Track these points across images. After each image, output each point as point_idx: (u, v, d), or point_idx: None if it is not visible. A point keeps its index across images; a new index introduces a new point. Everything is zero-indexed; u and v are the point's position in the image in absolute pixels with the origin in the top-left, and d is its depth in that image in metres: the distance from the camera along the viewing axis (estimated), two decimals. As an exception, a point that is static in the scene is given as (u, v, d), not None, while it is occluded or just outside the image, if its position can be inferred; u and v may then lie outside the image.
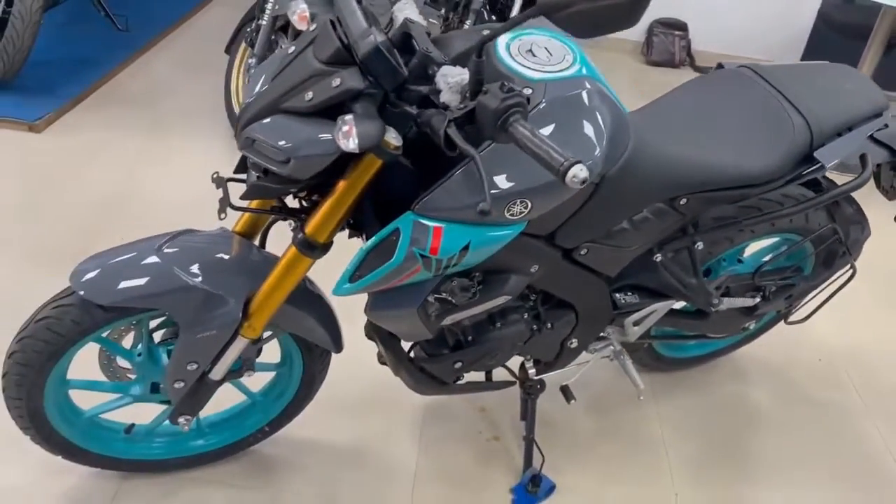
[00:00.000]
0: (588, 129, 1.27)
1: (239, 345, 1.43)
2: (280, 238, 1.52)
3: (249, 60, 3.08)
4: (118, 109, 3.29)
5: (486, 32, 1.35)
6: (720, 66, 1.78)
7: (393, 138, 1.17)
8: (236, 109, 3.18)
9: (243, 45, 3.20)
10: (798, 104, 1.60)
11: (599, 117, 1.29)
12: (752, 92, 1.65)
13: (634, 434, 2.03)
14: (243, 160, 1.36)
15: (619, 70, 4.42)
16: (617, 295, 1.74)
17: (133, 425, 1.66)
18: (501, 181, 1.23)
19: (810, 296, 2.02)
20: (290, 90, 1.19)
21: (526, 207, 1.26)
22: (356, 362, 1.86)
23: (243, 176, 1.36)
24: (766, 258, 1.91)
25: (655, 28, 4.56)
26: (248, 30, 3.10)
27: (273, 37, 3.04)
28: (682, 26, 4.54)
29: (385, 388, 2.03)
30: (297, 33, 3.06)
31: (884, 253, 3.00)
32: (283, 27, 3.08)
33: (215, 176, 1.38)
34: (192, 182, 2.86)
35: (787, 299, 1.95)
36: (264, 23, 2.99)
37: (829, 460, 2.01)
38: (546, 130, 1.24)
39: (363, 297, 1.55)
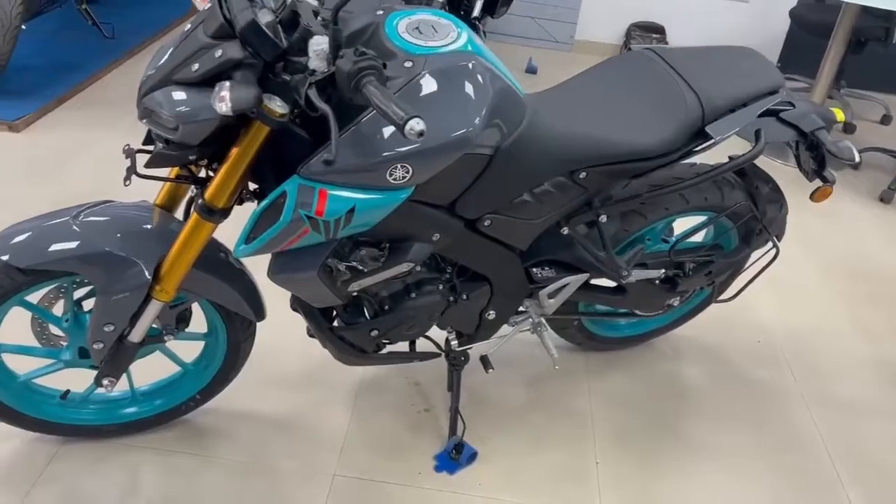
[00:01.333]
0: (465, 99, 1.35)
1: (153, 308, 1.53)
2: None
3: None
4: (99, 110, 3.43)
5: (379, 13, 1.46)
6: (629, 49, 1.85)
7: (278, 106, 1.27)
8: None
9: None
10: (692, 82, 1.68)
11: (478, 88, 1.38)
12: (650, 72, 1.73)
13: (563, 407, 2.09)
14: (150, 132, 1.46)
15: (594, 71, 4.49)
16: (534, 269, 1.82)
17: (68, 391, 1.76)
18: (381, 146, 1.32)
19: (740, 276, 2.09)
20: (181, 63, 1.29)
21: (408, 172, 1.35)
22: (296, 335, 1.95)
23: (151, 147, 1.47)
24: (684, 235, 1.98)
25: (633, 31, 4.63)
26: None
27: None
28: (659, 29, 4.61)
29: (322, 360, 2.12)
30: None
31: (824, 236, 3.06)
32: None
33: (126, 147, 1.48)
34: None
35: (707, 275, 2.02)
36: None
37: (758, 437, 2.07)
38: (425, 99, 1.32)
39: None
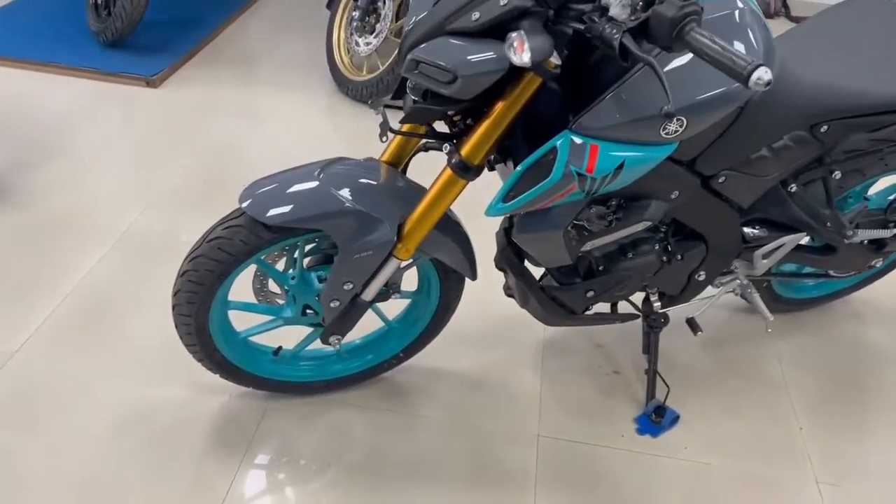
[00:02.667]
0: (741, 47, 1.28)
1: (391, 266, 1.51)
2: (417, 169, 1.59)
3: (353, 13, 3.15)
4: (225, 66, 3.41)
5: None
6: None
7: (554, 57, 1.21)
8: (339, 63, 3.26)
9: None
10: (944, 29, 1.57)
11: (752, 36, 1.30)
12: (892, 18, 1.62)
13: (754, 371, 2.04)
14: (401, 87, 1.42)
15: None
16: (745, 229, 1.75)
17: (280, 348, 1.76)
18: (657, 99, 1.25)
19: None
20: (455, 12, 1.23)
21: (681, 126, 1.29)
22: (475, 298, 1.91)
23: (400, 102, 1.42)
24: (897, 194, 1.88)
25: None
26: (351, -17, 3.17)
27: (375, -11, 3.10)
28: (778, -25, 4.42)
29: (505, 322, 2.09)
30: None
31: None
32: (385, -22, 3.13)
33: (371, 101, 1.44)
34: (301, 132, 2.97)
35: (917, 237, 1.92)
36: (368, -24, 3.05)
37: (956, 399, 1.99)
38: (703, 48, 1.25)
39: (487, 235, 1.61)
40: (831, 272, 2.00)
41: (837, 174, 1.67)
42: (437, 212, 1.44)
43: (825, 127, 1.54)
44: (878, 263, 2.00)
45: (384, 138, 1.40)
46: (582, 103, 1.33)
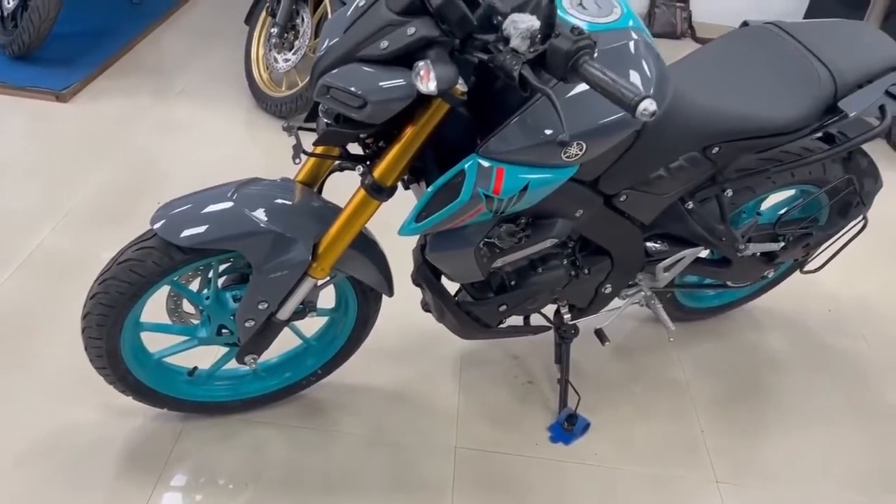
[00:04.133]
0: (636, 77, 1.36)
1: (307, 285, 1.53)
2: (333, 188, 1.62)
3: (271, 30, 3.15)
4: (139, 79, 3.36)
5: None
6: (745, 23, 1.87)
7: (460, 84, 1.27)
8: (258, 79, 3.25)
9: (263, 14, 3.27)
10: (822, 57, 1.70)
11: (646, 66, 1.39)
12: (778, 46, 1.75)
13: (658, 377, 2.14)
14: (314, 110, 1.45)
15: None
16: (648, 243, 1.84)
17: (196, 368, 1.75)
18: (557, 127, 1.32)
19: (824, 246, 2.14)
20: (365, 40, 1.27)
21: (581, 150, 1.36)
22: (392, 313, 1.95)
23: (313, 125, 1.45)
24: (786, 208, 2.02)
25: (658, 0, 4.64)
26: (269, 0, 3.17)
27: (294, 6, 3.11)
28: (684, -2, 4.63)
29: (422, 336, 2.14)
30: (317, 2, 3.12)
31: (885, 206, 3.12)
32: (303, -4, 3.15)
33: (286, 125, 1.46)
34: (219, 147, 2.95)
35: (804, 248, 2.06)
36: (286, -8, 3.06)
37: (850, 402, 2.14)
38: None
39: (404, 251, 1.66)
40: (728, 283, 2.13)
41: (729, 192, 1.78)
42: (351, 231, 1.47)
43: (717, 149, 1.65)
44: (770, 273, 2.14)
45: (297, 160, 1.42)
46: (489, 127, 1.39)
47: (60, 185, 2.60)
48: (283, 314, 1.58)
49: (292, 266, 1.47)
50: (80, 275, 2.19)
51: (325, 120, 1.36)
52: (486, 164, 1.34)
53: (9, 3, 3.23)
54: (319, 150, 1.47)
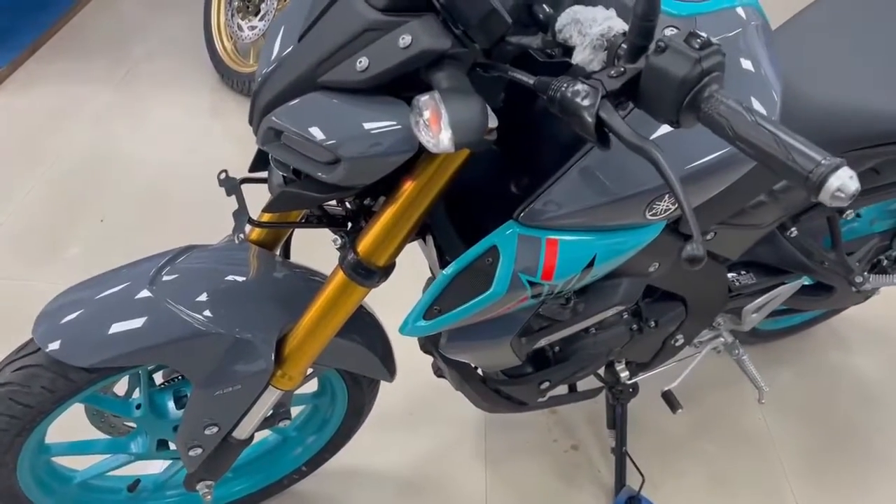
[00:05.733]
0: (756, 102, 0.88)
1: (270, 397, 1.07)
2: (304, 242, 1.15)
3: (231, -7, 2.62)
4: (81, 57, 2.82)
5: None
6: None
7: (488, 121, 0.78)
8: (221, 51, 2.73)
9: (221, -27, 2.73)
10: None
11: (767, 63, 0.90)
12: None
13: (734, 426, 1.71)
14: (261, 155, 0.97)
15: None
16: (731, 275, 1.39)
17: (139, 481, 1.31)
18: (637, 172, 0.85)
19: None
20: (332, 55, 0.78)
21: (673, 204, 0.89)
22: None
23: (263, 174, 0.97)
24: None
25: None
26: (227, -44, 2.62)
27: (257, -38, 2.57)
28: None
29: (434, 394, 1.69)
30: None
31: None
32: (268, -50, 2.61)
33: (223, 177, 0.99)
34: (179, 138, 2.45)
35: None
36: (246, -54, 2.52)
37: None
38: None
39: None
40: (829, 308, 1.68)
41: (850, 213, 1.31)
42: (329, 328, 1.00)
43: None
44: (876, 294, 1.68)
45: (241, 236, 0.94)
46: (525, 164, 0.92)
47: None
48: (242, 433, 1.12)
49: (247, 379, 1.02)
50: (9, 325, 1.73)
51: (282, 173, 0.88)
52: (529, 235, 0.86)
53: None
54: (272, 217, 1.00)
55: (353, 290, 0.96)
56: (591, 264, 0.90)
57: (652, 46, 0.65)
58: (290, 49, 0.84)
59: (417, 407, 1.67)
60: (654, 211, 0.88)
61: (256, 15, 2.64)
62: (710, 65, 0.63)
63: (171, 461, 1.32)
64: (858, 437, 1.71)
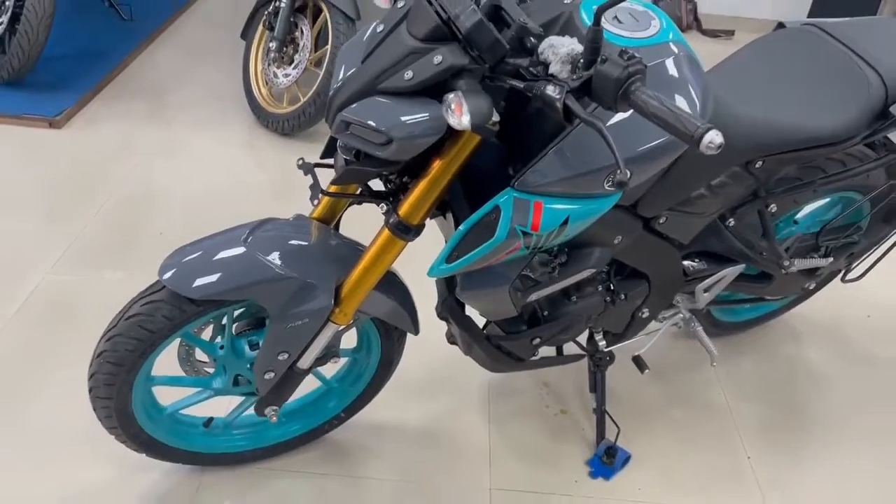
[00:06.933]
0: (682, 99, 1.25)
1: (329, 332, 1.42)
2: (350, 222, 1.50)
3: (270, 44, 3.03)
4: (135, 101, 3.23)
5: (567, 1, 1.33)
6: (781, 25, 1.75)
7: (493, 114, 1.15)
8: (257, 95, 3.13)
9: (260, 28, 3.15)
10: (869, 59, 1.58)
11: (691, 86, 1.27)
12: (821, 49, 1.63)
13: (698, 399, 2.03)
14: (330, 145, 1.34)
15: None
16: (686, 262, 1.73)
17: (212, 419, 1.64)
18: (600, 156, 1.21)
19: (867, 254, 2.03)
20: (386, 70, 1.16)
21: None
22: (415, 344, 1.84)
23: (330, 161, 1.34)
24: (828, 217, 1.91)
25: (661, -7, 4.53)
26: (266, 13, 3.05)
27: (292, 18, 2.99)
28: (687, -10, 4.51)
29: (448, 368, 2.02)
30: (316, 14, 3.01)
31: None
32: (301, 8, 3.04)
33: (300, 162, 1.35)
34: (220, 168, 2.83)
35: (848, 257, 1.95)
36: (283, 5, 2.94)
37: (890, 409, 2.03)
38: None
39: (427, 280, 1.54)
40: (768, 297, 2.01)
41: (774, 207, 1.67)
42: (375, 274, 1.36)
43: (760, 163, 1.54)
44: (812, 286, 2.03)
45: (315, 201, 1.31)
46: (520, 155, 1.28)
47: (58, 219, 2.48)
48: (305, 363, 1.46)
49: (313, 314, 1.36)
50: (84, 319, 2.07)
51: (345, 156, 1.25)
52: (522, 198, 1.22)
53: (-4, 27, 3.12)
54: (338, 188, 1.36)
55: (394, 244, 1.32)
56: (565, 223, 1.25)
57: (598, 60, 1.02)
58: (354, 68, 1.21)
59: (432, 378, 2.00)
60: (610, 182, 1.24)
61: (290, 64, 3.05)
62: (634, 70, 1.00)
63: (237, 406, 1.64)
64: (803, 411, 2.03)
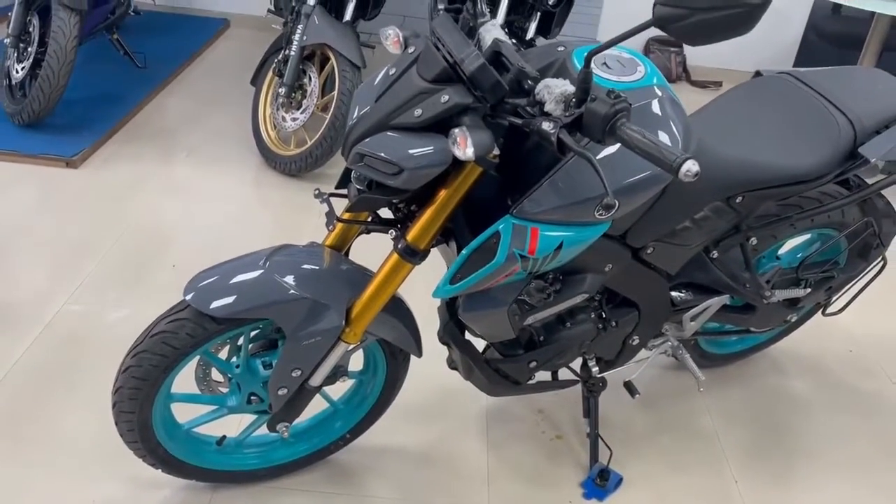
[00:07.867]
0: (664, 135, 1.38)
1: (339, 350, 1.52)
2: (358, 250, 1.62)
3: (279, 90, 3.19)
4: (148, 142, 3.38)
5: (560, 49, 1.48)
6: (758, 73, 1.90)
7: (494, 147, 1.28)
8: (266, 138, 3.28)
9: (270, 75, 3.32)
10: (840, 105, 1.73)
11: (673, 123, 1.41)
12: (795, 96, 1.77)
13: (687, 426, 2.12)
14: (345, 176, 1.46)
15: (622, 87, 4.57)
16: (673, 293, 1.84)
17: (224, 437, 1.73)
18: (591, 183, 1.33)
19: (845, 288, 2.14)
20: (398, 108, 1.29)
21: (614, 207, 1.37)
22: (417, 371, 1.94)
23: (344, 191, 1.46)
24: (807, 252, 2.03)
25: (652, 45, 4.72)
26: (276, 60, 3.21)
27: (301, 66, 3.15)
28: (678, 43, 4.71)
29: (448, 394, 2.12)
30: (323, 62, 3.17)
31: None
32: (309, 56, 3.20)
33: (317, 192, 1.47)
34: (229, 207, 2.95)
35: (827, 291, 2.06)
36: (293, 53, 3.10)
37: (872, 439, 2.12)
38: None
39: (428, 308, 1.65)
40: (752, 328, 2.12)
41: (754, 240, 1.79)
42: (384, 295, 1.47)
43: (740, 198, 1.66)
44: (793, 318, 2.14)
45: (330, 227, 1.42)
46: (518, 186, 1.40)
47: (74, 253, 2.59)
48: (316, 380, 1.56)
49: (325, 332, 1.46)
50: (100, 345, 2.17)
51: (358, 186, 1.37)
52: (520, 224, 1.34)
53: (17, 72, 3.27)
54: (351, 216, 1.48)
55: (402, 267, 1.44)
56: (559, 247, 1.37)
57: (588, 99, 1.15)
58: (368, 107, 1.34)
59: (433, 404, 2.09)
60: (600, 212, 1.36)
61: (298, 109, 3.20)
62: (620, 107, 1.13)
63: (248, 425, 1.73)
64: (789, 439, 2.12)
